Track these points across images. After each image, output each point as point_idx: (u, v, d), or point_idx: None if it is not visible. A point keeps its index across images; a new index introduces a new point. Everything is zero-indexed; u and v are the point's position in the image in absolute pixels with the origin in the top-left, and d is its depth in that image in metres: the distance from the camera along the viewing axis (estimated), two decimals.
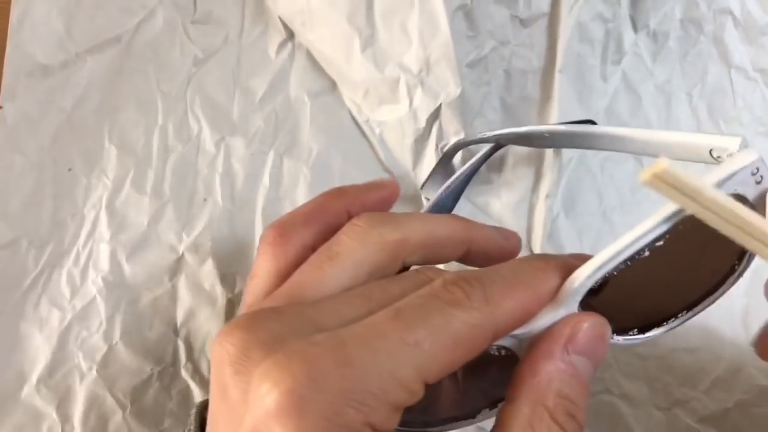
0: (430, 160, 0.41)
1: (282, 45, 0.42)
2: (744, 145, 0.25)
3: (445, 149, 0.41)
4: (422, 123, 0.40)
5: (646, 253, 0.23)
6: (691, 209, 0.20)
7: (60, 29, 0.42)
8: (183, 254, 0.40)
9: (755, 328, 0.40)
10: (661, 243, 0.23)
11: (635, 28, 0.42)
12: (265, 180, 0.41)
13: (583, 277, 0.23)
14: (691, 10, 0.42)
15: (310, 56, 0.42)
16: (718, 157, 0.26)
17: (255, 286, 0.27)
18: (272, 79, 0.42)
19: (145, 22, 0.42)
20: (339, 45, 0.40)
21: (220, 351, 0.22)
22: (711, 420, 0.39)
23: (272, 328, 0.22)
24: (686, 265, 0.26)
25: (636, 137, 0.30)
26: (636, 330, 0.26)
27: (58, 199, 0.40)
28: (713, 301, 0.26)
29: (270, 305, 0.24)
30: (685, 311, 0.27)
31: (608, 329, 0.24)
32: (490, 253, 0.29)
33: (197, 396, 0.39)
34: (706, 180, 0.22)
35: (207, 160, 0.41)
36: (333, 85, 0.42)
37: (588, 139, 0.33)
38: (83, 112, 0.41)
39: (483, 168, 0.40)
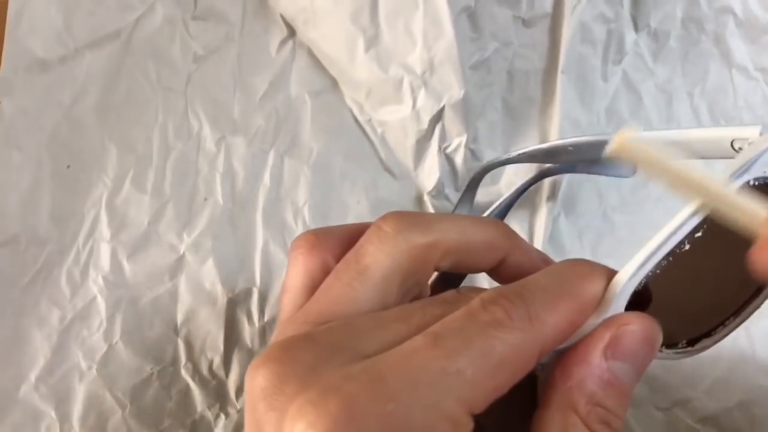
0: (431, 161, 0.41)
1: (283, 43, 0.42)
2: (765, 131, 0.24)
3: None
4: (425, 124, 0.40)
5: (687, 247, 0.22)
6: (655, 175, 0.20)
7: (59, 24, 0.41)
8: (184, 254, 0.40)
9: (756, 327, 0.40)
10: (700, 235, 0.22)
11: (636, 28, 0.42)
12: (266, 180, 0.41)
13: (626, 277, 0.22)
14: (693, 10, 0.42)
15: (311, 54, 0.42)
16: (740, 148, 0.25)
17: (288, 302, 0.26)
18: (273, 77, 0.42)
19: (144, 17, 0.42)
20: (342, 44, 0.40)
21: (252, 384, 0.21)
22: (711, 420, 0.39)
23: (306, 358, 0.21)
24: (728, 263, 0.24)
25: (665, 137, 0.29)
26: (685, 342, 0.25)
27: (56, 197, 0.40)
28: (760, 305, 0.25)
29: (302, 330, 0.23)
30: (732, 317, 0.25)
31: (659, 332, 0.22)
32: (524, 268, 0.27)
33: (197, 396, 0.39)
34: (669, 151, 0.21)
35: (207, 158, 0.41)
36: (334, 84, 0.42)
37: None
38: (82, 108, 0.41)
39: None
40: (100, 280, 0.39)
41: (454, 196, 0.41)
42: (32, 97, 0.41)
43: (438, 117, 0.40)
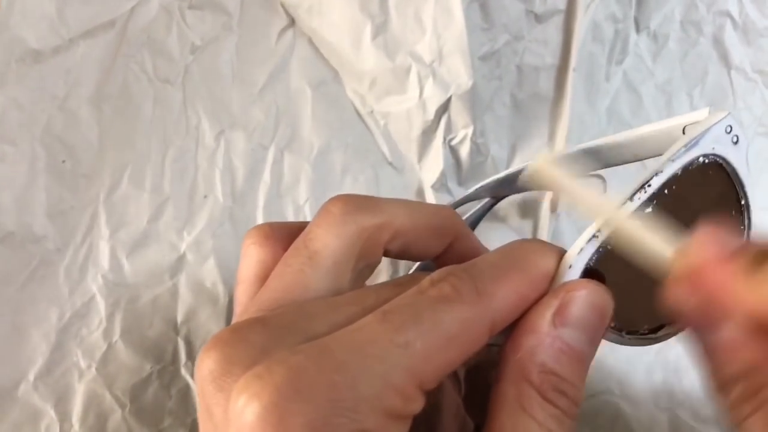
0: (436, 152, 0.40)
1: (282, 32, 0.41)
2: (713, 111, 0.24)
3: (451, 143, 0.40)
4: (431, 115, 0.40)
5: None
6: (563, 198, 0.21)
7: (52, 13, 0.40)
8: (184, 253, 0.39)
9: None
10: (650, 210, 0.22)
11: (638, 29, 0.41)
12: (266, 176, 0.40)
13: (576, 252, 0.22)
14: (691, 12, 0.42)
15: (311, 44, 0.41)
16: None
17: (242, 294, 0.26)
18: (272, 68, 0.41)
19: (139, 6, 0.40)
20: (348, 32, 0.39)
21: (201, 368, 0.21)
22: (712, 420, 0.40)
23: (256, 340, 0.20)
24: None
25: (609, 144, 0.29)
26: (646, 329, 0.25)
27: (52, 193, 0.39)
28: None
29: (254, 315, 0.22)
30: None
31: (608, 299, 0.22)
32: (469, 256, 0.25)
33: (197, 395, 0.39)
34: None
35: (206, 154, 0.40)
36: (335, 75, 0.41)
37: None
38: (76, 100, 0.40)
39: (489, 167, 0.39)
40: (100, 279, 0.39)
41: (457, 190, 0.41)
42: (25, 88, 0.39)
43: (444, 107, 0.40)
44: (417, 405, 0.20)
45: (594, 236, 0.22)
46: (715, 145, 0.22)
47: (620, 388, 0.40)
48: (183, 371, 0.39)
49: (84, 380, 0.38)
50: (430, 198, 0.41)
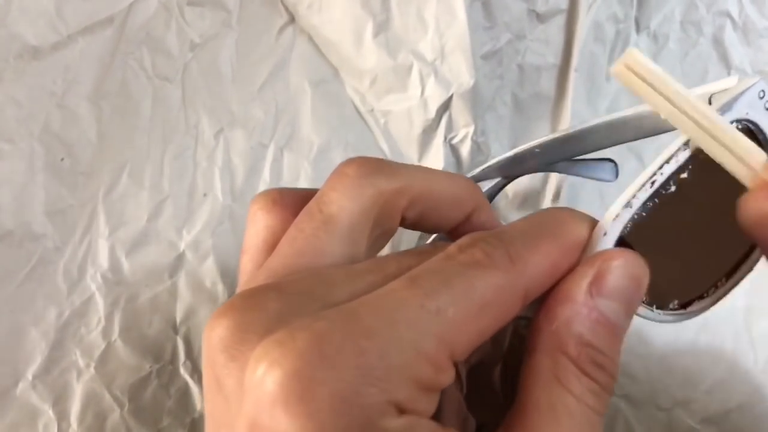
0: (436, 151, 0.40)
1: (282, 29, 0.41)
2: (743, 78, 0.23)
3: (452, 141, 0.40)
4: (432, 113, 0.39)
5: (674, 191, 0.21)
6: (657, 105, 0.20)
7: (50, 9, 0.39)
8: (183, 252, 0.39)
9: (757, 328, 0.40)
10: (688, 178, 0.21)
11: (638, 29, 0.41)
12: (266, 175, 0.40)
13: (612, 217, 0.21)
14: (691, 13, 0.42)
15: (311, 42, 0.41)
16: None
17: (248, 263, 0.24)
18: (272, 66, 0.41)
19: (138, 2, 0.40)
20: (349, 29, 0.39)
21: (210, 336, 0.19)
22: (712, 420, 0.40)
23: (272, 307, 0.19)
24: (720, 216, 0.22)
25: (627, 120, 0.27)
26: (676, 303, 0.23)
27: (50, 191, 0.39)
28: (753, 265, 0.24)
29: (266, 282, 0.21)
30: (724, 278, 0.24)
31: (646, 270, 0.21)
32: (489, 228, 0.24)
33: (196, 394, 0.39)
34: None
35: (206, 152, 0.40)
36: (335, 72, 0.41)
37: (581, 140, 0.31)
38: (75, 97, 0.39)
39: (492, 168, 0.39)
40: (99, 277, 0.38)
41: None
42: (23, 85, 0.39)
43: (446, 106, 0.39)
44: (447, 376, 0.18)
45: (648, 183, 0.21)
46: (749, 110, 0.21)
47: (621, 389, 0.40)
48: (182, 370, 0.39)
49: (83, 379, 0.38)
50: None
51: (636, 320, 0.22)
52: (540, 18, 0.39)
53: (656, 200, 0.21)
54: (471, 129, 0.40)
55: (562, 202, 0.40)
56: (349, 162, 0.23)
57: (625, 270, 0.20)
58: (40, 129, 0.39)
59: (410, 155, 0.41)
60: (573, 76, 0.39)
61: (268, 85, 0.40)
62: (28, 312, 0.38)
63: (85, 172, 0.39)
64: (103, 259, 0.39)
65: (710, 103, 0.23)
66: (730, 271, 0.24)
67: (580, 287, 0.20)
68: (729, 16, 0.42)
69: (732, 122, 0.21)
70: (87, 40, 0.40)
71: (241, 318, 0.19)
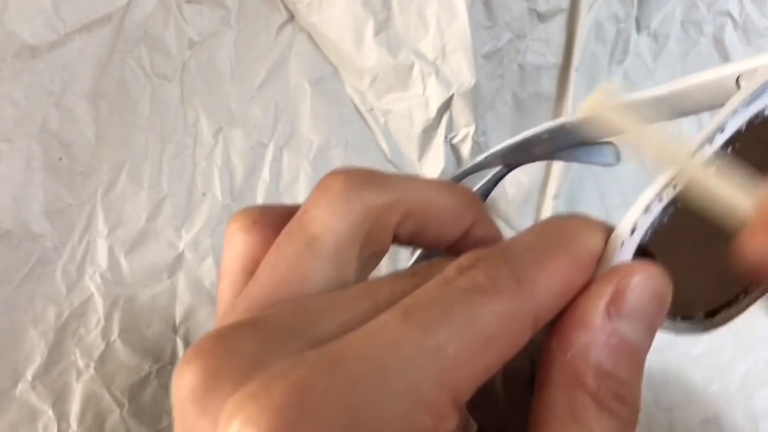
0: (437, 151, 0.40)
1: (281, 27, 0.41)
2: None
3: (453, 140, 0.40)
4: (433, 112, 0.39)
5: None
6: (628, 141, 0.18)
7: (47, 7, 0.39)
8: (183, 251, 0.39)
9: (757, 328, 0.40)
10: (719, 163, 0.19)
11: (638, 29, 0.41)
12: (265, 174, 0.40)
13: (629, 226, 0.18)
14: (691, 12, 0.42)
15: (311, 40, 0.41)
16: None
17: (226, 291, 0.21)
18: (271, 64, 0.40)
19: (136, 0, 0.40)
20: (349, 28, 0.39)
21: (179, 385, 0.17)
22: (713, 421, 0.40)
23: (248, 349, 0.17)
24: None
25: (646, 99, 0.24)
26: (702, 314, 0.21)
27: (49, 191, 0.39)
28: None
29: (242, 317, 0.18)
30: (750, 285, 0.21)
31: (669, 285, 0.18)
32: (490, 244, 0.21)
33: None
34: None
35: (205, 151, 0.39)
36: (335, 71, 0.41)
37: (591, 126, 0.30)
38: (73, 96, 0.39)
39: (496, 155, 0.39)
40: (98, 277, 0.38)
41: None
42: (20, 84, 0.39)
43: (446, 105, 0.39)
44: (450, 424, 0.16)
45: (670, 185, 0.19)
46: None
47: None
48: None
49: (82, 379, 0.38)
50: None
51: None
52: (541, 17, 0.39)
53: (678, 204, 0.19)
54: (471, 128, 0.39)
55: (562, 202, 0.40)
56: (334, 174, 0.20)
57: (647, 287, 0.18)
58: (38, 128, 0.39)
59: (410, 155, 0.40)
60: (574, 76, 0.39)
61: (267, 83, 0.40)
62: (27, 312, 0.38)
63: (83, 172, 0.39)
64: (102, 259, 0.38)
65: (738, 85, 0.21)
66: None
67: (597, 309, 0.18)
68: (729, 15, 0.42)
69: (765, 109, 0.19)
70: (85, 39, 0.39)
71: (213, 363, 0.17)
